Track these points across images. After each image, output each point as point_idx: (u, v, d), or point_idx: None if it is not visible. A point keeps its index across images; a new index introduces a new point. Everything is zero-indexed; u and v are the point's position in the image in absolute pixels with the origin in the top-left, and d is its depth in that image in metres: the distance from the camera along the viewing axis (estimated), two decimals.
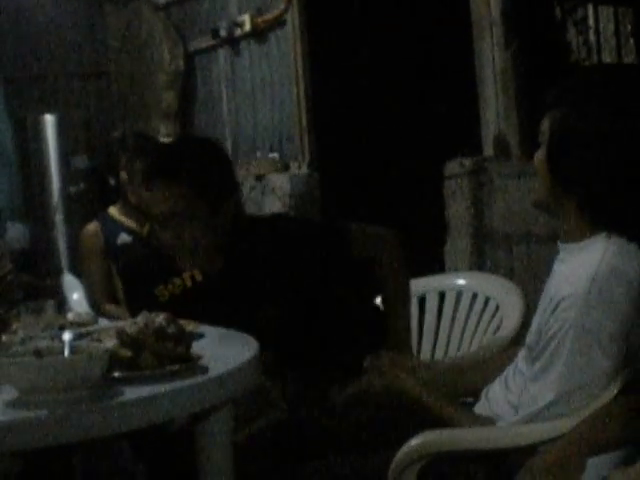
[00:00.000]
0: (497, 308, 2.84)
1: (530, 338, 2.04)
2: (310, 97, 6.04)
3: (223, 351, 2.18)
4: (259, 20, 6.36)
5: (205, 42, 7.04)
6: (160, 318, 1.98)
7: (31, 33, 7.84)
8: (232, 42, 6.75)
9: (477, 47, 4.82)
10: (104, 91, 8.00)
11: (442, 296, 3.00)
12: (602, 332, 1.83)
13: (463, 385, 2.29)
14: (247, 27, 6.42)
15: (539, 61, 4.75)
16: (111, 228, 3.87)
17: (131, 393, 1.80)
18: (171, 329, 1.96)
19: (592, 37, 5.44)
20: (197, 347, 2.05)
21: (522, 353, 2.08)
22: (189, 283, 2.69)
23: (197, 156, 2.55)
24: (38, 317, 2.32)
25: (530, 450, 1.87)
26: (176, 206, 2.47)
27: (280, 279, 2.52)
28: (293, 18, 6.06)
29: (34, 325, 2.28)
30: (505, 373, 2.11)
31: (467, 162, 4.62)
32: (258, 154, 6.54)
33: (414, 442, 1.90)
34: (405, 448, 1.89)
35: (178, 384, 1.86)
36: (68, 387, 1.73)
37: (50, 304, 2.39)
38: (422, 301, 3.01)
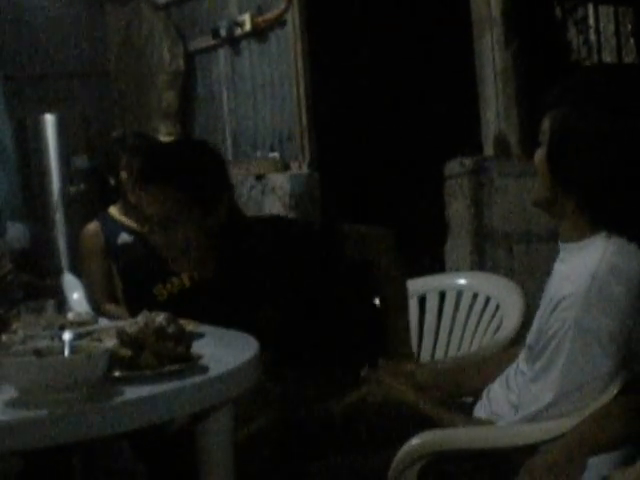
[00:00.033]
0: (497, 308, 2.84)
1: (530, 338, 2.04)
2: (310, 97, 6.04)
3: (223, 351, 2.18)
4: (259, 20, 6.36)
5: (205, 42, 7.04)
6: (160, 318, 1.98)
7: (31, 33, 7.84)
8: (232, 42, 6.75)
9: (477, 47, 4.82)
10: (104, 91, 8.00)
11: (442, 296, 3.00)
12: (602, 331, 1.83)
13: (463, 385, 2.29)
14: (247, 27, 6.42)
15: (539, 61, 4.75)
16: (111, 228, 3.87)
17: (131, 393, 1.80)
18: (171, 329, 1.96)
19: (592, 37, 5.44)
20: (197, 347, 2.05)
21: (523, 353, 2.08)
22: (187, 283, 2.69)
23: (189, 159, 2.55)
24: (38, 317, 2.32)
25: (530, 450, 1.87)
26: (167, 209, 2.48)
27: (276, 280, 2.52)
28: (293, 18, 6.05)
29: (34, 325, 2.28)
30: (506, 373, 2.11)
31: (467, 162, 4.62)
32: (258, 154, 6.54)
33: (414, 442, 1.90)
34: (405, 448, 1.89)
35: (178, 384, 1.85)
36: (68, 387, 1.73)
37: (50, 304, 2.39)
38: (422, 301, 3.01)
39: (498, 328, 2.78)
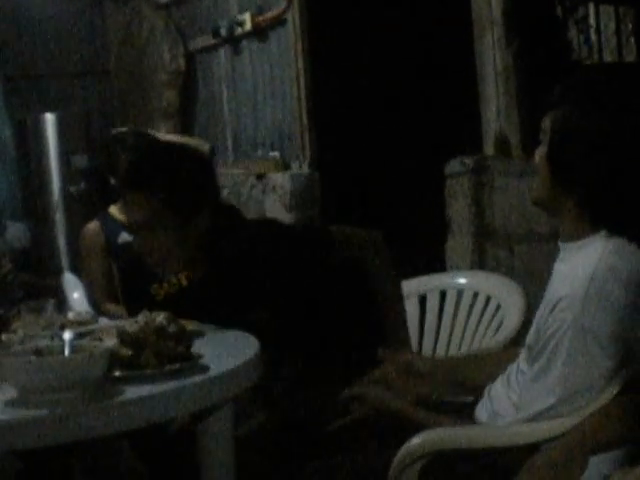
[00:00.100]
0: (498, 307, 2.84)
1: (530, 338, 2.03)
2: (311, 96, 6.04)
3: (223, 350, 2.18)
4: (260, 19, 6.36)
5: (206, 41, 7.04)
6: (161, 317, 1.97)
7: (31, 32, 7.84)
8: (233, 41, 6.75)
9: (478, 46, 4.82)
10: (104, 90, 8.00)
11: (443, 295, 3.00)
12: (601, 331, 1.82)
13: (463, 380, 2.29)
14: (248, 26, 6.42)
15: (540, 60, 4.75)
16: (112, 227, 3.86)
17: (131, 392, 1.80)
18: (172, 328, 1.96)
19: (593, 36, 5.44)
20: (197, 346, 2.04)
21: (523, 352, 2.08)
22: (185, 282, 2.69)
23: (168, 167, 2.54)
24: (38, 316, 2.32)
25: (531, 449, 1.86)
26: (146, 215, 2.49)
27: (268, 282, 2.53)
28: (294, 17, 6.05)
29: (34, 324, 2.28)
30: (508, 372, 2.11)
31: (468, 161, 4.62)
32: (259, 153, 6.54)
33: (415, 441, 1.89)
34: (406, 447, 1.89)
35: (178, 383, 1.85)
36: (68, 386, 1.73)
37: (50, 303, 2.39)
38: (423, 300, 3.01)
39: (499, 328, 2.78)
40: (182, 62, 7.33)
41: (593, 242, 1.90)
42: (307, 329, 2.57)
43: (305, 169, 6.05)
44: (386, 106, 5.96)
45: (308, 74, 6.03)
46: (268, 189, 6.14)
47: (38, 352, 1.82)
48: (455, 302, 2.96)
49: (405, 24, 5.95)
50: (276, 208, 5.97)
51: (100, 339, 2.05)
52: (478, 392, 2.21)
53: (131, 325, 1.96)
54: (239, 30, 6.54)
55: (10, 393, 1.76)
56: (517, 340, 2.61)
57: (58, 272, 5.11)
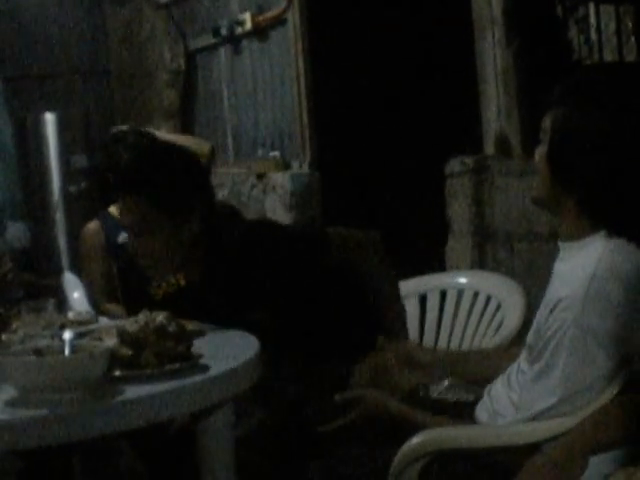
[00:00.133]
0: (498, 307, 2.83)
1: (530, 337, 2.03)
2: (311, 96, 6.04)
3: (224, 350, 2.18)
4: (260, 18, 6.35)
5: (206, 40, 7.04)
6: (161, 317, 1.97)
7: (31, 32, 7.84)
8: (233, 40, 6.75)
9: (478, 45, 4.82)
10: (105, 90, 8.00)
11: (443, 295, 3.00)
12: (601, 331, 1.82)
13: (462, 373, 2.29)
14: (248, 25, 6.41)
15: (540, 60, 4.75)
16: (112, 227, 3.86)
17: (131, 392, 1.80)
18: (172, 328, 1.96)
19: (593, 35, 5.43)
20: (198, 346, 2.04)
21: (523, 352, 2.08)
22: (183, 282, 2.70)
23: (160, 171, 2.55)
24: (38, 316, 2.32)
25: (531, 449, 1.86)
26: (137, 219, 2.50)
27: (264, 283, 2.53)
28: (294, 16, 6.05)
29: (34, 324, 2.27)
30: (508, 371, 2.11)
31: (468, 160, 4.62)
32: (259, 153, 6.54)
33: (415, 440, 1.89)
34: (407, 446, 1.89)
35: (179, 383, 1.85)
36: (68, 386, 1.73)
37: (50, 303, 2.39)
38: (423, 300, 3.01)
39: (499, 327, 2.78)
40: (182, 61, 7.33)
41: (593, 242, 1.90)
42: (305, 329, 2.57)
43: (305, 169, 6.05)
44: (386, 106, 5.96)
45: (308, 74, 6.03)
46: (268, 189, 6.14)
47: (38, 352, 1.82)
48: (455, 302, 2.96)
49: (405, 24, 5.95)
50: (276, 208, 5.97)
51: (100, 339, 2.05)
52: (476, 386, 2.22)
53: (131, 325, 1.96)
54: (239, 30, 6.54)
55: (10, 393, 1.76)
56: (517, 340, 2.61)
57: (58, 272, 5.10)
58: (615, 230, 1.89)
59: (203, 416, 2.08)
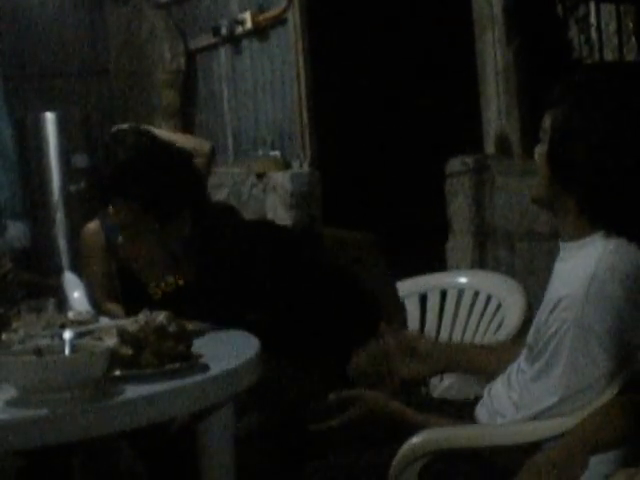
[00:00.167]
0: (499, 306, 2.83)
1: (530, 337, 2.03)
2: (311, 95, 6.04)
3: (224, 350, 2.18)
4: (260, 18, 6.35)
5: (206, 40, 7.03)
6: (161, 317, 1.97)
7: (31, 31, 7.84)
8: (233, 40, 6.74)
9: (479, 45, 4.82)
10: (105, 89, 8.00)
11: (444, 294, 3.00)
12: (602, 331, 1.82)
13: (463, 366, 2.29)
14: (248, 25, 6.41)
15: (541, 59, 4.75)
16: (112, 227, 3.85)
17: (132, 392, 1.80)
18: (172, 327, 1.95)
19: (594, 35, 5.43)
20: (198, 346, 2.04)
21: (524, 351, 2.08)
22: (181, 282, 2.70)
23: (149, 175, 2.55)
24: (39, 316, 2.32)
25: (532, 448, 1.86)
26: (125, 219, 2.52)
27: (259, 283, 2.53)
28: (294, 16, 6.05)
29: (35, 324, 2.27)
30: (508, 371, 2.11)
31: (469, 160, 4.62)
32: (259, 152, 6.53)
33: (415, 440, 1.89)
34: (407, 446, 1.89)
35: (179, 383, 1.85)
36: (68, 386, 1.73)
37: (51, 302, 2.39)
38: (424, 299, 3.01)
39: (499, 327, 2.78)
40: (182, 61, 7.33)
41: (593, 241, 1.90)
42: (303, 329, 2.57)
43: (306, 168, 6.04)
44: (386, 105, 5.96)
45: (309, 73, 6.03)
46: (269, 188, 6.14)
47: (38, 351, 1.82)
48: (456, 301, 2.96)
49: (406, 23, 5.95)
50: (277, 207, 5.97)
51: (100, 339, 2.05)
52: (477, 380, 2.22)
53: (131, 324, 1.96)
54: (239, 29, 6.53)
55: (10, 393, 1.76)
56: (518, 339, 2.61)
57: (58, 271, 5.10)
58: (615, 230, 1.88)
59: (203, 416, 2.08)
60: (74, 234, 5.67)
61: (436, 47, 5.80)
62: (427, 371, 2.28)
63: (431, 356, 2.26)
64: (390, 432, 2.09)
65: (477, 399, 2.19)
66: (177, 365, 1.91)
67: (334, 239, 2.69)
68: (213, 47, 7.04)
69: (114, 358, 1.86)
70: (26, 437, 1.66)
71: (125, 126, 4.00)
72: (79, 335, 2.11)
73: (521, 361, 2.07)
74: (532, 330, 2.03)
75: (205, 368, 1.95)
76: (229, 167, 6.79)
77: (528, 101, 4.66)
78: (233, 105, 6.96)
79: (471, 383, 2.42)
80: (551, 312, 1.89)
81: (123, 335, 1.94)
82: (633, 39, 5.63)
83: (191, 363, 1.95)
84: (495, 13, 4.71)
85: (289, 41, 6.14)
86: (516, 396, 2.02)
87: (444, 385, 2.60)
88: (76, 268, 4.50)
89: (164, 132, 3.29)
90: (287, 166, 6.20)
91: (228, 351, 2.15)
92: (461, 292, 2.97)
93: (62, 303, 3.15)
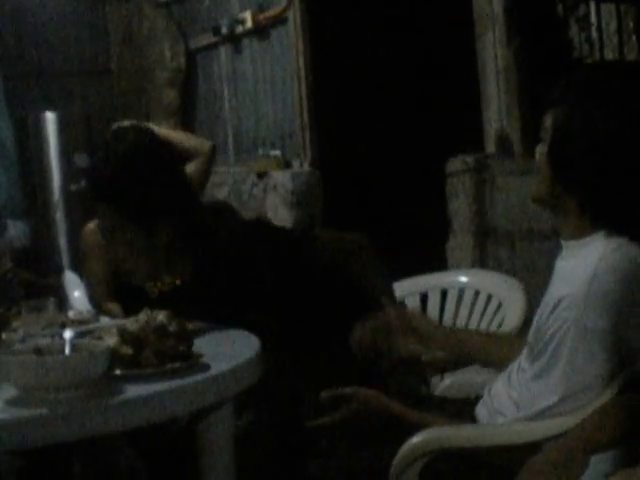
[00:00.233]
0: (499, 305, 2.84)
1: (531, 336, 2.03)
2: (312, 94, 6.04)
3: (224, 349, 2.18)
4: (260, 17, 6.35)
5: (206, 39, 7.03)
6: (161, 316, 1.97)
7: (32, 30, 7.83)
8: (233, 39, 6.74)
9: (479, 44, 4.82)
10: (105, 89, 8.00)
11: (444, 294, 3.00)
12: (603, 331, 1.82)
13: (464, 349, 2.29)
14: (248, 24, 6.41)
15: (541, 58, 4.75)
16: None
17: (132, 391, 1.79)
18: (172, 327, 1.95)
19: (594, 34, 5.43)
20: (198, 345, 2.04)
21: (525, 350, 2.08)
22: (178, 282, 2.70)
23: (128, 177, 2.54)
24: (39, 315, 2.32)
25: (532, 447, 1.86)
26: (108, 224, 2.53)
27: (256, 283, 2.54)
28: (295, 15, 6.05)
29: (35, 323, 2.27)
30: (509, 369, 2.11)
31: (469, 159, 4.62)
32: (260, 151, 6.53)
33: (416, 439, 1.89)
34: (407, 445, 1.88)
35: (179, 382, 1.85)
36: (69, 385, 1.73)
37: (51, 302, 2.39)
38: (424, 299, 3.01)
39: (500, 326, 2.78)
40: (183, 60, 7.33)
41: (594, 241, 1.90)
42: (299, 329, 2.57)
43: (306, 167, 6.04)
44: (387, 104, 5.96)
45: (309, 72, 6.03)
46: (269, 188, 6.14)
47: (39, 351, 1.82)
48: (456, 301, 2.96)
49: (406, 22, 5.95)
50: (277, 207, 5.97)
51: (101, 338, 2.05)
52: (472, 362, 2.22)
53: (132, 324, 1.96)
54: (240, 28, 6.53)
55: (11, 392, 1.76)
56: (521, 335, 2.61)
57: (59, 271, 5.10)
58: (616, 229, 1.88)
59: (203, 416, 2.08)
60: (74, 233, 5.66)
61: (436, 46, 5.80)
62: (425, 351, 2.28)
63: (432, 337, 2.26)
64: (387, 430, 2.09)
65: (477, 398, 2.19)
66: (177, 365, 1.91)
67: (329, 239, 2.69)
68: (213, 46, 7.04)
69: (114, 357, 1.86)
70: (26, 437, 1.66)
71: (126, 123, 3.99)
72: (79, 334, 2.11)
73: (522, 360, 2.07)
74: (532, 329, 2.03)
75: (205, 368, 1.95)
76: (229, 166, 6.79)
77: (528, 100, 4.66)
78: (233, 104, 6.96)
79: (471, 382, 2.42)
80: (552, 311, 1.89)
81: (123, 334, 1.94)
82: (634, 38, 5.64)
83: (191, 363, 1.95)
84: (495, 13, 4.71)
85: (289, 40, 6.14)
86: (516, 395, 2.02)
87: (445, 384, 2.60)
88: (76, 267, 4.49)
89: (164, 130, 3.28)
90: (287, 165, 6.20)
91: (228, 351, 2.15)
92: (462, 291, 2.97)
93: (62, 302, 3.15)
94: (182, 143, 3.11)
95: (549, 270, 2.04)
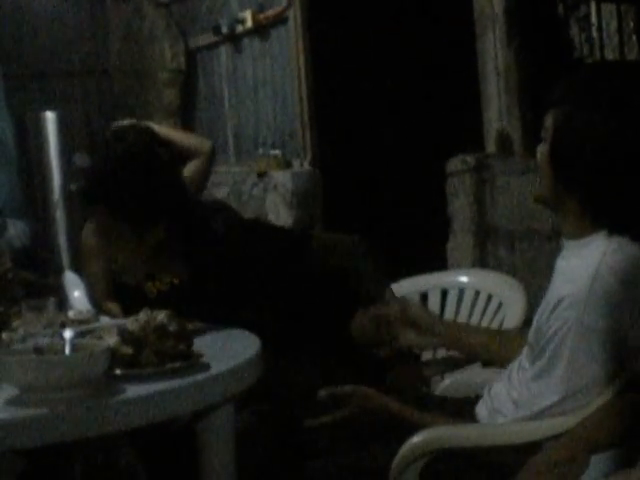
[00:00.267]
0: (499, 305, 2.83)
1: (531, 336, 2.03)
2: (312, 94, 6.04)
3: (224, 349, 2.18)
4: (261, 17, 6.35)
5: (207, 39, 7.03)
6: (161, 316, 1.97)
7: (32, 30, 7.83)
8: (234, 39, 6.74)
9: (480, 44, 4.82)
10: (105, 88, 7.99)
11: (444, 293, 3.00)
12: (603, 331, 1.82)
13: (464, 344, 2.29)
14: (249, 24, 6.41)
15: (541, 58, 4.75)
16: None
17: (132, 391, 1.79)
18: (172, 327, 1.95)
19: (595, 34, 5.44)
20: (198, 345, 2.04)
21: (525, 350, 2.08)
22: (176, 281, 2.70)
23: (128, 177, 2.55)
24: (39, 315, 2.31)
25: (532, 447, 1.86)
26: (105, 223, 2.55)
27: (254, 282, 2.54)
28: (295, 15, 6.05)
29: (35, 323, 2.27)
30: (509, 368, 2.11)
31: (469, 159, 4.62)
32: (260, 151, 6.53)
33: (416, 439, 1.89)
34: (408, 445, 1.88)
35: (179, 382, 1.85)
36: (69, 385, 1.73)
37: (51, 302, 2.38)
38: (424, 298, 3.01)
39: (500, 326, 2.78)
40: (183, 60, 7.33)
41: (595, 240, 1.90)
42: (298, 328, 2.57)
43: (306, 167, 6.04)
44: (387, 104, 5.96)
45: (309, 72, 6.03)
46: (269, 187, 6.14)
47: (39, 351, 1.82)
48: (456, 300, 2.96)
49: (406, 22, 5.95)
50: (277, 206, 5.96)
51: (101, 337, 2.04)
52: (469, 353, 2.22)
53: (132, 323, 1.96)
54: (240, 28, 6.53)
55: (11, 392, 1.76)
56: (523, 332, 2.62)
57: (59, 270, 5.10)
58: (617, 229, 1.88)
59: (203, 415, 2.08)
60: (74, 233, 5.66)
61: (437, 46, 5.80)
62: (425, 344, 2.29)
63: (431, 331, 2.27)
64: (387, 430, 2.09)
65: (477, 398, 2.19)
66: (177, 364, 1.91)
67: (325, 240, 2.69)
68: (214, 46, 7.04)
69: (114, 357, 1.86)
70: (27, 436, 1.66)
71: (125, 123, 3.99)
72: (79, 334, 2.11)
73: (522, 359, 2.07)
74: (533, 329, 2.02)
75: (205, 367, 1.95)
76: (230, 166, 6.79)
77: (529, 100, 4.66)
78: (234, 104, 6.96)
79: (471, 382, 2.42)
80: (552, 311, 1.89)
81: (123, 334, 1.94)
82: (634, 38, 5.64)
83: (191, 362, 1.95)
84: (496, 13, 4.71)
85: (290, 40, 6.14)
86: (517, 394, 2.01)
87: (445, 383, 2.60)
88: (76, 267, 4.49)
89: (164, 129, 3.28)
90: (288, 165, 6.19)
91: (228, 350, 2.15)
92: (462, 291, 2.97)
93: (62, 302, 3.14)
94: (182, 142, 3.11)
95: (549, 270, 2.04)
